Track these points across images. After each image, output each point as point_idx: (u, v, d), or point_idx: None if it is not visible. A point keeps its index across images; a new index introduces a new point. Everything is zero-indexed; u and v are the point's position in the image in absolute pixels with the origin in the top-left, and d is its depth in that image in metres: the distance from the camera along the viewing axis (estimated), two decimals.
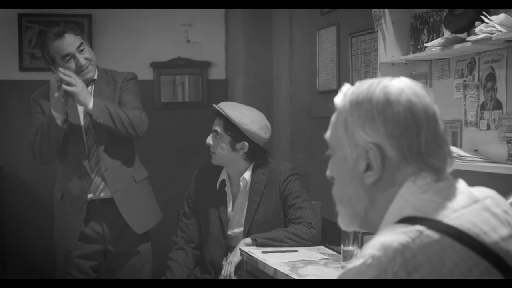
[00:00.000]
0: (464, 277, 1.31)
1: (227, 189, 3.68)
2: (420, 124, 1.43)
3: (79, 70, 3.73)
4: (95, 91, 3.82)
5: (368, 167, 1.46)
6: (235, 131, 3.56)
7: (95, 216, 3.81)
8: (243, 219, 3.62)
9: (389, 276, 1.30)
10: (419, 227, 1.34)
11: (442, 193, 1.42)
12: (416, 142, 1.42)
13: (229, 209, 3.67)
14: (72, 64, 3.72)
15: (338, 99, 1.52)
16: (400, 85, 1.46)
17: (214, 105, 3.64)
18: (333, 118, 1.53)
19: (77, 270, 3.84)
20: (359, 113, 1.46)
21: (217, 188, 3.69)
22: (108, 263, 3.93)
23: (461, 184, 1.47)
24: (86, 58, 3.75)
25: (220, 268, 3.55)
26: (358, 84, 1.51)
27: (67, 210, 3.83)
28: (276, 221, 3.56)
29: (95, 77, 3.84)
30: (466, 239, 1.34)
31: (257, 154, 3.63)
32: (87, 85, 3.81)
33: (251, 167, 3.64)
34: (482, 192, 1.48)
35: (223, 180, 3.69)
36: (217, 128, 3.60)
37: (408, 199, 1.42)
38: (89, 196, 3.78)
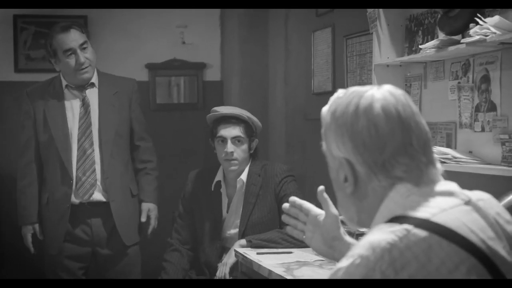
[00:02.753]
0: (450, 273, 1.33)
1: (223, 190, 3.69)
2: (383, 139, 1.45)
3: (78, 68, 3.75)
4: (99, 97, 3.84)
5: (346, 179, 1.51)
6: (249, 132, 3.60)
7: (84, 218, 3.81)
8: (238, 221, 3.62)
9: (377, 275, 1.33)
10: (406, 226, 1.37)
11: (431, 194, 1.45)
12: (380, 158, 1.45)
13: (224, 211, 3.67)
14: (72, 60, 3.74)
15: (325, 109, 1.57)
16: (371, 99, 1.48)
17: (239, 114, 3.62)
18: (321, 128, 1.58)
19: (66, 272, 3.83)
20: (335, 127, 1.51)
21: (212, 189, 3.69)
22: (98, 265, 3.93)
23: (453, 186, 1.50)
24: (86, 58, 3.76)
25: (215, 269, 3.55)
26: (341, 93, 1.56)
27: (51, 215, 3.83)
28: (271, 223, 3.57)
29: (93, 81, 3.85)
30: (453, 236, 1.36)
31: (257, 149, 3.69)
32: (84, 87, 3.82)
33: (247, 168, 3.65)
34: (476, 194, 1.50)
35: (219, 182, 3.69)
36: (239, 133, 3.60)
37: (397, 200, 1.45)
38: (77, 200, 3.78)
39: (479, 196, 1.50)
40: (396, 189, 1.46)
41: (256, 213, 3.58)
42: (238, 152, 3.60)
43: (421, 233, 1.35)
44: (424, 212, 1.40)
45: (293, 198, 2.07)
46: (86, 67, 3.77)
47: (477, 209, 1.44)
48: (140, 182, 3.99)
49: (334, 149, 1.52)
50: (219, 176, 3.70)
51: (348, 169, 1.49)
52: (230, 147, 3.59)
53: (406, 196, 1.45)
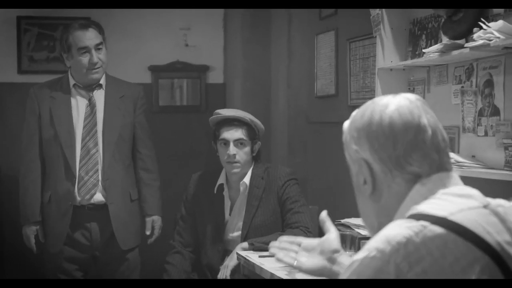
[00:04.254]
0: (464, 271, 1.35)
1: (225, 193, 3.68)
2: (397, 136, 1.51)
3: (90, 67, 3.77)
4: (106, 99, 3.85)
5: (365, 181, 1.56)
6: (252, 134, 3.59)
7: (84, 222, 3.80)
8: (241, 223, 3.62)
9: (391, 268, 1.36)
10: (423, 222, 1.40)
11: (451, 195, 1.48)
12: (394, 153, 1.51)
13: (227, 213, 3.67)
14: (86, 59, 3.76)
15: (346, 123, 1.65)
16: (386, 103, 1.56)
17: (235, 116, 3.61)
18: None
19: (65, 274, 3.83)
20: (353, 133, 1.58)
21: (215, 192, 3.69)
22: (97, 269, 3.93)
23: (473, 191, 1.53)
24: (100, 58, 3.78)
25: (217, 272, 3.55)
26: (362, 105, 1.63)
27: (54, 213, 3.82)
28: (274, 226, 3.56)
29: (101, 82, 3.86)
30: (469, 235, 1.39)
31: (259, 151, 3.68)
32: (92, 86, 3.83)
33: (250, 171, 3.64)
34: (497, 200, 1.52)
35: (221, 185, 3.69)
36: (242, 136, 3.59)
37: (417, 200, 1.49)
38: (78, 199, 3.78)
39: (499, 202, 1.52)
40: (416, 189, 1.50)
41: (259, 216, 3.58)
42: (241, 154, 3.59)
43: (438, 229, 1.38)
44: (442, 211, 1.43)
45: (281, 238, 2.16)
46: (98, 68, 3.79)
47: (496, 213, 1.46)
48: (142, 193, 3.98)
49: (353, 153, 1.58)
50: (221, 179, 3.69)
51: (366, 169, 1.54)
52: (232, 149, 3.58)
53: (425, 197, 1.48)
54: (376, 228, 1.57)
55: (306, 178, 4.53)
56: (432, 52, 3.03)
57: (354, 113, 1.62)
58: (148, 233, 3.98)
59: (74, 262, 3.84)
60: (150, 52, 5.33)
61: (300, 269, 2.07)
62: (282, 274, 2.92)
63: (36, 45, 5.11)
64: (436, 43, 3.18)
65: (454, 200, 1.46)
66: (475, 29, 2.76)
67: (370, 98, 1.66)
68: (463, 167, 2.88)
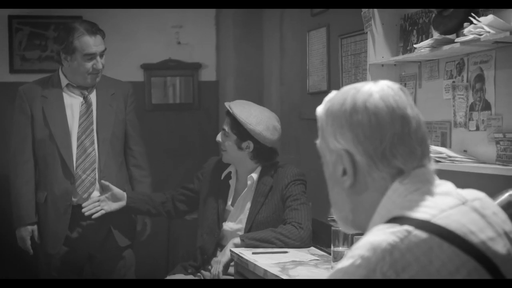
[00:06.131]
0: (451, 276, 1.32)
1: (231, 182, 3.70)
2: (384, 127, 1.44)
3: (93, 72, 3.77)
4: (97, 97, 3.87)
5: (344, 172, 1.49)
6: (240, 130, 3.59)
7: (80, 220, 3.80)
8: (242, 217, 3.62)
9: (378, 276, 1.32)
10: (407, 227, 1.35)
11: (429, 194, 1.44)
12: (380, 146, 1.44)
13: (229, 202, 3.68)
14: (89, 64, 3.76)
15: (320, 108, 1.56)
16: (369, 90, 1.48)
17: (225, 103, 3.67)
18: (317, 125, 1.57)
19: (61, 274, 3.82)
20: (332, 121, 1.50)
21: (222, 178, 3.70)
22: (93, 268, 3.93)
23: (449, 186, 1.49)
24: (102, 64, 3.80)
25: (209, 256, 3.57)
26: (335, 92, 1.55)
27: (51, 213, 3.81)
28: (276, 223, 3.57)
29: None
30: (453, 238, 1.35)
31: (263, 154, 3.65)
32: (87, 89, 3.83)
33: (259, 167, 3.65)
34: (471, 194, 1.49)
35: (230, 173, 3.71)
36: (225, 126, 3.65)
37: (395, 200, 1.44)
38: (75, 199, 3.77)
39: (475, 195, 1.48)
40: (393, 188, 1.44)
41: (263, 212, 3.59)
42: (224, 144, 3.66)
43: (422, 234, 1.34)
44: (424, 213, 1.39)
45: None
46: (99, 74, 3.81)
47: (475, 209, 1.43)
48: (134, 190, 3.99)
49: (331, 142, 1.50)
50: (232, 168, 3.72)
51: (347, 160, 1.47)
52: (218, 136, 3.69)
53: (404, 196, 1.43)
54: (350, 221, 1.53)
55: None
56: (423, 47, 3.03)
57: (329, 98, 1.55)
58: (139, 228, 3.98)
59: (70, 261, 3.83)
60: (142, 50, 5.33)
61: None
62: (276, 270, 2.92)
63: (28, 44, 5.10)
64: (427, 38, 3.19)
65: (434, 200, 1.42)
66: (465, 24, 2.77)
67: None
68: (455, 162, 2.89)
